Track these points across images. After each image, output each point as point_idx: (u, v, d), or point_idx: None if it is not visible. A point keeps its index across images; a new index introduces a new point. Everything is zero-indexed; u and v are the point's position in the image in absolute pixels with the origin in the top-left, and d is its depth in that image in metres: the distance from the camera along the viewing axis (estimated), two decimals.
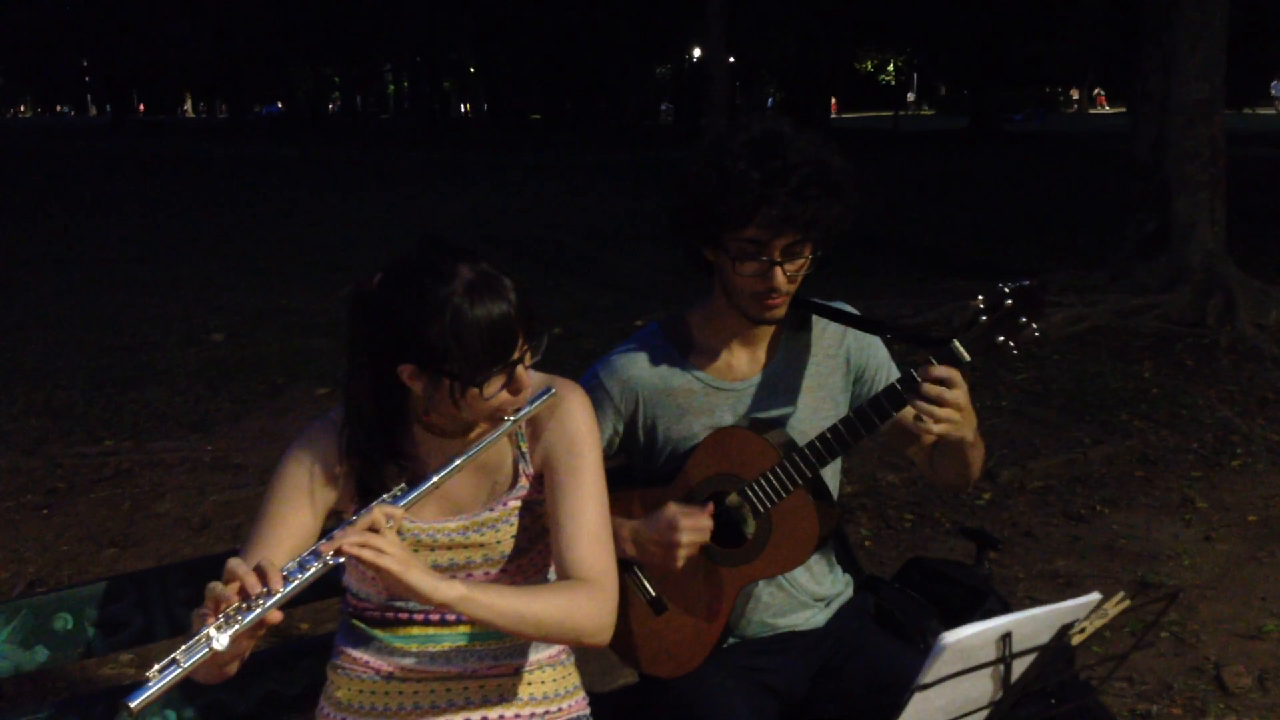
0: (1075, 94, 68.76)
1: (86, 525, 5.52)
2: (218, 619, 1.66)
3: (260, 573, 1.70)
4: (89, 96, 76.98)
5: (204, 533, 5.41)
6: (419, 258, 1.91)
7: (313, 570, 1.74)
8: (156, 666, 1.61)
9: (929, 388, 2.06)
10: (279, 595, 1.70)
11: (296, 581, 1.72)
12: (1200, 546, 5.11)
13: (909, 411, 2.14)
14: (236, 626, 1.65)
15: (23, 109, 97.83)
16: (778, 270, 2.22)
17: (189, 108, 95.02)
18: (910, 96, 75.76)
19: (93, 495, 5.91)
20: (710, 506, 2.24)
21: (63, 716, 2.17)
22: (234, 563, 1.72)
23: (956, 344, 2.07)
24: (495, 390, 1.92)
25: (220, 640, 1.63)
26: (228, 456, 6.45)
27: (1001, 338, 2.06)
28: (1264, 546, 5.08)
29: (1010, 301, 2.05)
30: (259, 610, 1.67)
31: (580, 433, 2.08)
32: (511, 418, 1.97)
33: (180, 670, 1.61)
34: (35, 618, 2.13)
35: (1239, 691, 3.87)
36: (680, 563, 2.22)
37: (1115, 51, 32.84)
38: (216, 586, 1.69)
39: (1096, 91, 68.11)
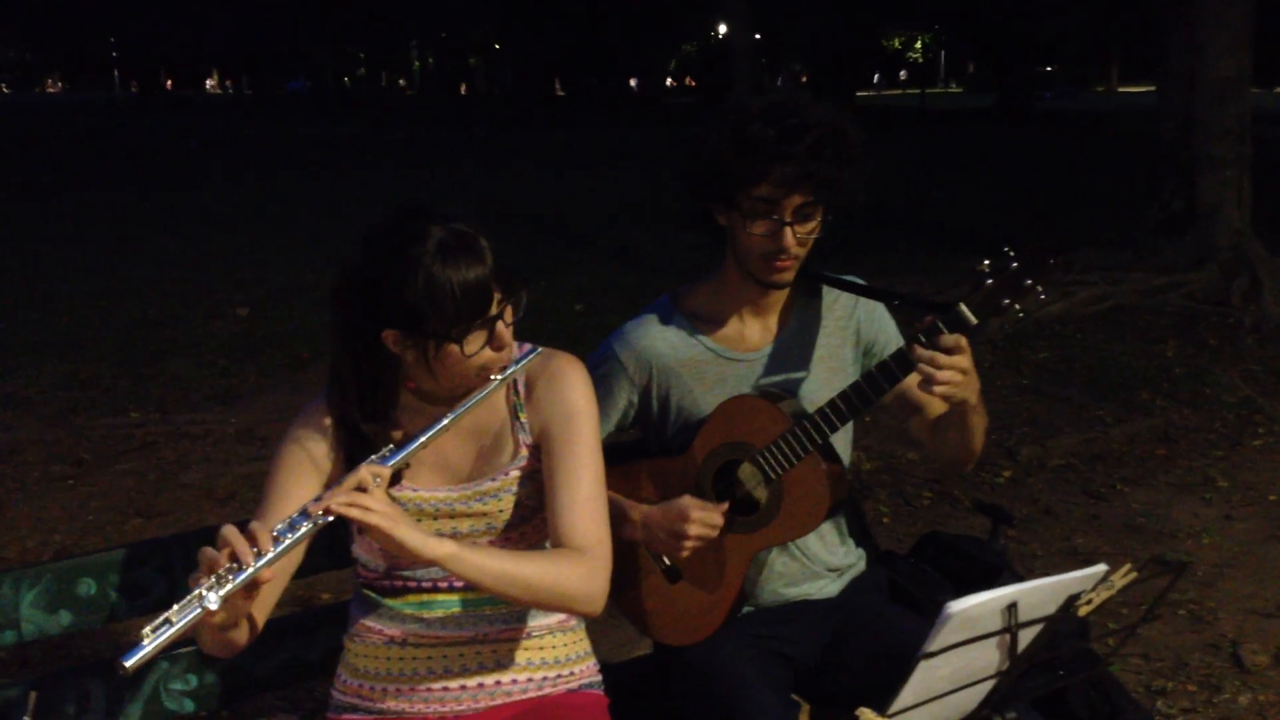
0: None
1: (112, 495, 5.59)
2: (209, 580, 1.69)
3: (250, 535, 1.74)
4: (116, 73, 77.16)
5: (228, 504, 5.46)
6: (392, 222, 1.94)
7: (302, 530, 1.78)
8: (150, 626, 1.65)
9: (934, 351, 2.07)
10: (268, 555, 1.73)
11: (286, 542, 1.76)
12: (1220, 525, 5.10)
13: (914, 380, 2.15)
14: (228, 586, 1.69)
15: (50, 86, 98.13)
16: (788, 231, 2.23)
17: (214, 84, 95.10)
18: (902, 75, 75.24)
19: (119, 466, 5.98)
20: (725, 505, 2.26)
21: (86, 680, 2.22)
22: (226, 529, 1.76)
23: (963, 306, 2.08)
24: (477, 348, 1.94)
25: (211, 600, 1.67)
26: (252, 429, 6.51)
27: (1008, 300, 2.07)
28: None
29: (1016, 265, 2.06)
30: (249, 570, 1.71)
31: (577, 403, 2.09)
32: (498, 376, 1.99)
33: (174, 629, 1.65)
34: (59, 583, 2.16)
35: (1255, 669, 3.87)
36: (686, 554, 2.24)
37: (1142, 29, 32.50)
38: (208, 551, 1.73)
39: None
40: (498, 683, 2.13)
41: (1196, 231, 9.67)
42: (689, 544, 2.22)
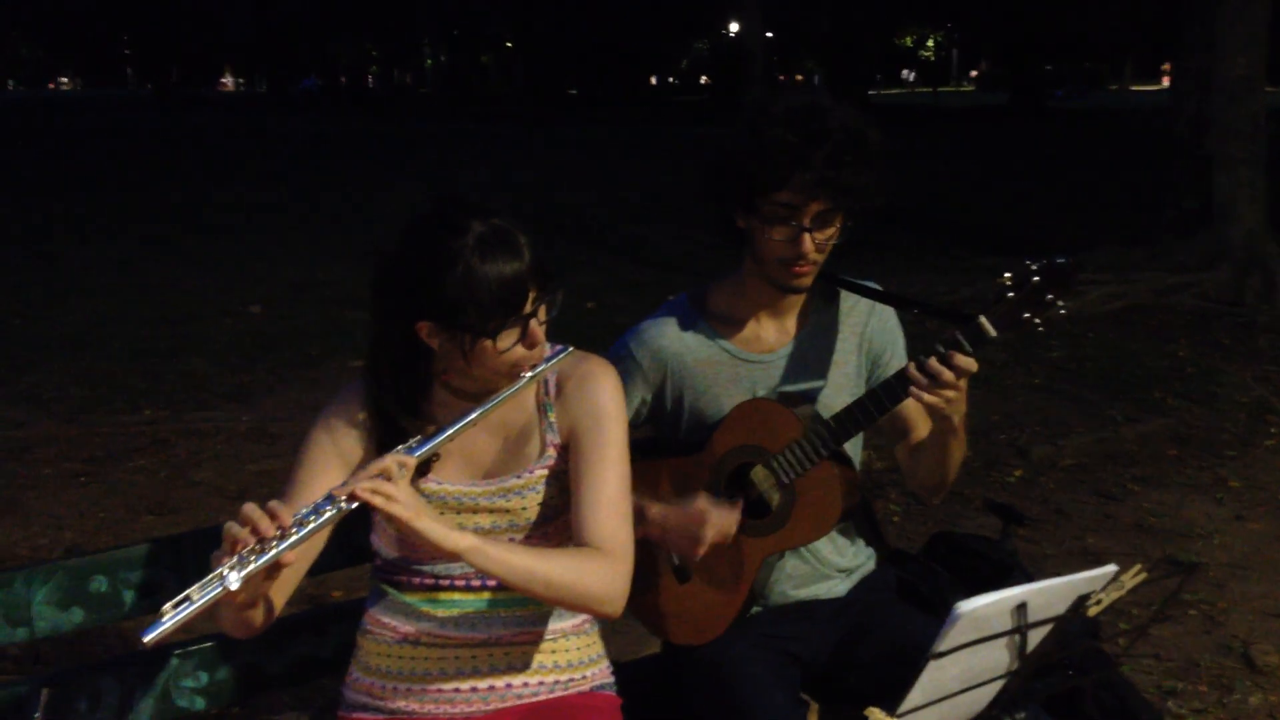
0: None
1: (124, 493, 5.60)
2: (232, 559, 1.70)
3: (274, 515, 1.74)
4: (129, 70, 77.34)
5: (240, 501, 5.43)
6: (433, 214, 1.95)
7: (327, 514, 1.77)
8: (170, 603, 1.65)
9: (944, 367, 2.07)
10: (293, 538, 1.73)
11: (310, 525, 1.76)
12: (1232, 525, 5.09)
13: (906, 404, 2.17)
14: (250, 567, 1.69)
15: (64, 82, 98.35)
16: (807, 237, 2.23)
17: (229, 81, 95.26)
18: (905, 74, 75.21)
19: (131, 463, 6.00)
20: (740, 504, 2.26)
21: (98, 677, 2.22)
22: (249, 507, 1.76)
23: (983, 320, 2.08)
24: (510, 344, 1.95)
25: (233, 579, 1.67)
26: (264, 427, 6.53)
27: (1028, 315, 2.07)
28: None
29: (1038, 279, 2.05)
30: (272, 552, 1.71)
31: (606, 406, 2.09)
32: (529, 373, 1.99)
33: (194, 606, 1.65)
34: (71, 580, 2.17)
35: (1266, 669, 3.86)
36: (701, 553, 2.24)
37: (1157, 27, 32.38)
38: (233, 527, 1.74)
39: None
40: (509, 685, 2.12)
41: (1210, 231, 9.64)
42: (704, 545, 2.23)
